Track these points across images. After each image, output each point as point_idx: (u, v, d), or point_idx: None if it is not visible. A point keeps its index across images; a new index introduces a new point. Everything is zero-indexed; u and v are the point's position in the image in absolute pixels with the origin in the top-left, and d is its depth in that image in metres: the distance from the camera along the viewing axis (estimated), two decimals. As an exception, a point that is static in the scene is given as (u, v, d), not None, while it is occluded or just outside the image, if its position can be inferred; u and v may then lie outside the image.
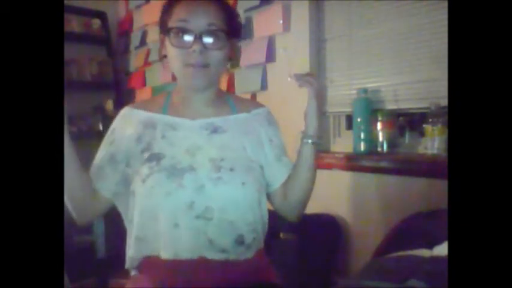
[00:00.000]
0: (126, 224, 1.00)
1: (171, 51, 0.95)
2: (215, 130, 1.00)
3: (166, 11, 0.97)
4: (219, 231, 0.92)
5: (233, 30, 0.99)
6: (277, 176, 1.05)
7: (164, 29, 0.97)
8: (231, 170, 0.95)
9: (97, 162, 0.99)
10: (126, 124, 1.00)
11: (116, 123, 1.03)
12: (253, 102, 1.19)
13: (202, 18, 0.93)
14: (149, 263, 0.96)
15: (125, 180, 0.97)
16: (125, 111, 1.04)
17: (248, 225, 0.96)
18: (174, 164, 0.93)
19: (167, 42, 0.96)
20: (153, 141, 0.97)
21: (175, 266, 0.92)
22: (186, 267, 0.91)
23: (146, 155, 0.95)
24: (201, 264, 0.92)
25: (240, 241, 0.95)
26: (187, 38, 0.93)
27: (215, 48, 0.94)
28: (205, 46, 0.93)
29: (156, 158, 0.94)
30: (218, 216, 0.92)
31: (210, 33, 0.93)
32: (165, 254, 0.92)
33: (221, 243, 0.93)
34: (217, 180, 0.93)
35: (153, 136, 0.97)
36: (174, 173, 0.92)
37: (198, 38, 0.92)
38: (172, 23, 0.95)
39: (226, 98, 1.09)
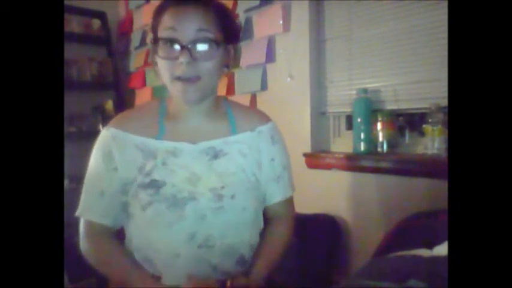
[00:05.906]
0: (126, 241, 0.99)
1: (159, 62, 0.89)
2: (216, 155, 0.95)
3: (156, 18, 0.90)
4: (221, 257, 0.93)
5: (230, 35, 0.92)
6: (272, 195, 1.04)
7: (153, 38, 0.90)
8: (232, 197, 0.92)
9: (106, 190, 0.93)
10: (124, 150, 0.93)
11: (109, 147, 0.93)
12: (258, 117, 1.05)
13: (191, 25, 0.85)
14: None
15: (124, 206, 0.96)
16: (115, 134, 0.94)
17: (248, 244, 0.97)
18: (175, 193, 0.90)
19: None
20: (154, 168, 0.92)
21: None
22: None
23: (146, 180, 0.91)
24: None
25: (241, 261, 0.96)
26: (175, 48, 0.85)
27: (206, 58, 0.86)
28: (194, 57, 0.85)
29: (156, 185, 0.90)
30: (219, 242, 0.92)
31: (199, 42, 0.86)
32: (166, 281, 0.92)
33: (224, 267, 0.94)
34: (218, 210, 0.91)
35: (154, 164, 0.92)
36: (174, 203, 0.89)
37: (186, 48, 0.84)
38: (159, 32, 0.88)
39: (225, 110, 1.02)
